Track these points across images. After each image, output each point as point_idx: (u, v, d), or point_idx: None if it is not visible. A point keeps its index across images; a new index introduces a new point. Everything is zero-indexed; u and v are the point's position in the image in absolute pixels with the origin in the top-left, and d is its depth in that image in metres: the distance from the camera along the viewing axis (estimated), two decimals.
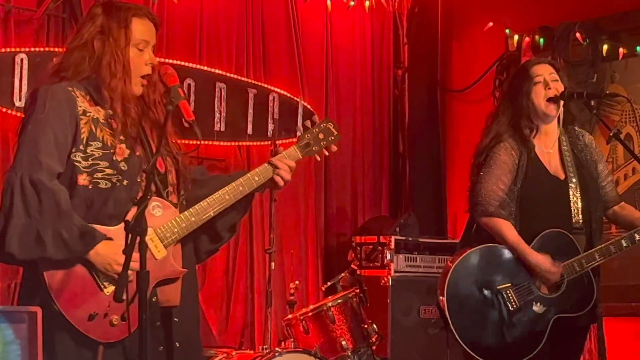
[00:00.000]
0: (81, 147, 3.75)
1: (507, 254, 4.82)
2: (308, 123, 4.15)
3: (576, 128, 5.11)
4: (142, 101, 3.96)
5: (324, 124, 4.12)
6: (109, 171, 3.77)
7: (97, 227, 3.68)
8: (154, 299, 3.81)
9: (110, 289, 3.66)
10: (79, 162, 3.74)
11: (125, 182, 3.76)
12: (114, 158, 3.78)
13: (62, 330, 3.65)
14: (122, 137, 3.82)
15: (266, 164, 4.01)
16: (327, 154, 4.14)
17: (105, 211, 3.73)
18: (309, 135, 4.10)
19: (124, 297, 3.39)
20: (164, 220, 3.85)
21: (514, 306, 4.77)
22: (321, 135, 4.10)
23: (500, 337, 4.78)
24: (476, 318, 4.79)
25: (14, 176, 3.65)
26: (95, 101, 3.84)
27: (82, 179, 3.73)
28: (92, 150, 3.76)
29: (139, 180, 3.77)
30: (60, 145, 3.72)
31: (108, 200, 3.74)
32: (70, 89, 3.80)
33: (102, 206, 3.73)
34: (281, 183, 4.03)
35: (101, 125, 3.81)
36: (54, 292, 3.62)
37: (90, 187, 3.73)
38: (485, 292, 4.79)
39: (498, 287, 4.78)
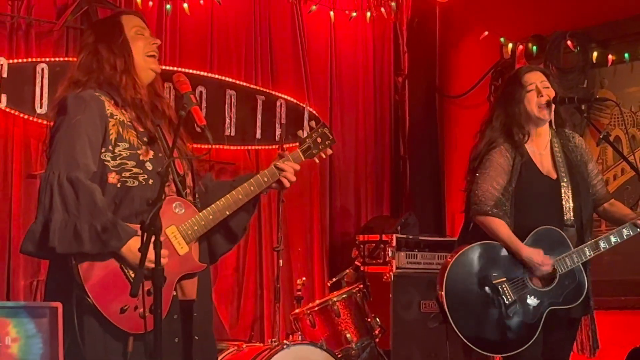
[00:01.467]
0: (110, 147, 3.79)
1: (502, 250, 4.81)
2: (313, 124, 4.19)
3: (567, 130, 5.11)
4: (157, 107, 3.98)
5: (321, 129, 4.16)
6: (136, 170, 3.80)
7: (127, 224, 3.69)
8: (174, 293, 3.82)
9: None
10: (108, 161, 3.77)
11: (150, 182, 3.79)
12: (140, 158, 3.82)
13: (94, 322, 3.66)
14: (145, 139, 3.86)
15: (273, 167, 4.04)
16: (324, 157, 4.18)
17: (133, 209, 3.74)
18: (309, 139, 4.14)
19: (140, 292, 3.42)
20: (186, 218, 3.87)
21: (510, 299, 4.76)
22: (319, 140, 4.14)
23: (496, 329, 4.77)
24: (474, 312, 4.78)
25: (52, 175, 3.67)
26: (119, 105, 3.87)
27: (112, 178, 3.76)
28: (119, 151, 3.80)
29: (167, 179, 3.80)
30: (93, 146, 3.75)
31: (135, 198, 3.76)
32: (97, 94, 3.85)
33: (130, 204, 3.76)
34: (287, 184, 4.07)
35: (127, 127, 3.85)
36: (87, 286, 3.63)
37: (118, 185, 3.77)
38: (482, 287, 4.78)
39: (494, 282, 4.78)
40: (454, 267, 4.80)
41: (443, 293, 4.75)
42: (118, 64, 3.91)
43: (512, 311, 4.75)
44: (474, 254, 4.83)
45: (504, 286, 4.77)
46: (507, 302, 4.76)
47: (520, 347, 4.75)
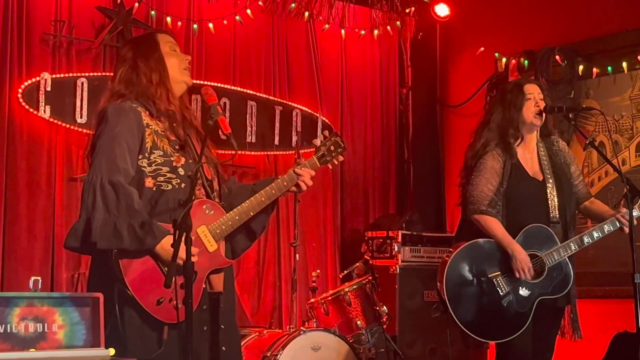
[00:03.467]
0: (146, 154, 3.80)
1: (496, 246, 4.83)
2: (326, 133, 4.19)
3: (552, 137, 5.14)
4: (186, 117, 4.00)
5: (334, 138, 4.16)
6: (169, 175, 3.81)
7: (161, 223, 3.71)
8: (204, 286, 3.84)
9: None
10: (145, 167, 3.79)
11: (182, 185, 3.80)
12: (174, 164, 3.83)
13: (133, 312, 3.68)
14: (177, 147, 3.88)
15: (292, 172, 4.04)
16: (336, 163, 4.17)
17: (167, 209, 3.76)
18: (323, 147, 4.13)
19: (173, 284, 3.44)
20: (215, 218, 3.88)
21: (504, 291, 4.77)
22: (332, 148, 4.14)
23: (492, 318, 4.79)
24: (471, 302, 4.80)
25: (95, 177, 3.69)
26: (153, 115, 3.89)
27: (148, 182, 3.78)
28: (154, 158, 3.81)
29: (197, 183, 3.81)
30: (131, 153, 3.77)
31: (169, 200, 3.78)
32: (134, 105, 3.86)
33: (164, 205, 3.77)
34: (304, 188, 4.06)
35: (161, 136, 3.86)
36: (127, 280, 3.65)
37: (154, 188, 3.78)
38: (478, 280, 4.80)
39: (489, 275, 4.79)
40: (453, 263, 4.82)
41: (443, 286, 4.77)
42: (154, 77, 3.93)
43: (506, 301, 4.77)
44: (470, 250, 4.85)
45: (498, 279, 4.79)
46: (501, 294, 4.77)
47: (514, 334, 4.76)
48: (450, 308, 4.75)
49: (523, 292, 4.80)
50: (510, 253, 4.77)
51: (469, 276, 4.81)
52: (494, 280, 4.78)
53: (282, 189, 4.03)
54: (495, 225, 4.81)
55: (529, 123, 4.97)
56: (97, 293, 3.57)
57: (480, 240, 4.84)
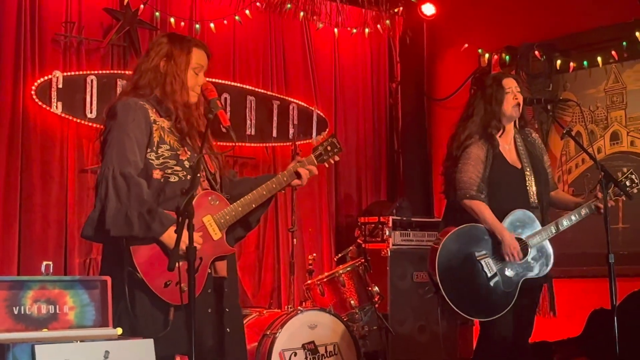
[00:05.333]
0: (154, 148, 3.80)
1: (483, 230, 4.82)
2: (322, 135, 4.23)
3: (526, 129, 5.14)
4: (192, 118, 3.98)
5: (331, 139, 4.22)
6: (176, 168, 3.81)
7: (167, 212, 3.71)
8: (209, 271, 3.85)
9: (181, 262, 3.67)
10: (153, 160, 3.78)
11: (188, 177, 3.78)
12: (180, 158, 3.83)
13: (142, 294, 3.69)
14: (183, 142, 3.87)
15: (291, 169, 4.08)
16: (332, 162, 4.24)
17: (173, 199, 3.74)
18: (321, 147, 4.19)
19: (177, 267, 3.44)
20: (219, 209, 3.90)
21: (491, 272, 4.77)
22: (329, 148, 4.20)
23: (481, 297, 4.78)
24: (461, 283, 4.78)
25: (107, 170, 3.69)
26: (160, 114, 3.87)
27: (156, 174, 3.78)
28: (162, 152, 3.81)
29: (198, 175, 3.79)
30: (140, 147, 3.76)
31: (175, 191, 3.76)
32: (142, 103, 3.84)
33: (171, 195, 3.76)
34: (301, 184, 4.12)
35: (167, 132, 3.85)
36: (137, 264, 3.65)
37: (161, 180, 3.78)
38: (468, 262, 4.79)
39: (477, 257, 4.78)
40: (444, 246, 4.80)
41: (436, 268, 4.76)
42: (176, 84, 3.89)
43: (493, 282, 4.76)
44: (460, 234, 4.83)
45: (486, 261, 4.78)
46: (489, 275, 4.76)
47: (501, 312, 4.76)
48: (442, 289, 4.73)
49: (509, 272, 4.80)
50: (499, 238, 4.76)
51: (459, 259, 4.79)
52: (482, 262, 4.77)
53: (282, 184, 4.06)
54: (484, 209, 4.80)
55: (508, 115, 4.98)
56: (106, 276, 3.57)
57: (468, 225, 4.83)
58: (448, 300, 4.73)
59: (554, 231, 4.87)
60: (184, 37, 4.07)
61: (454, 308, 4.74)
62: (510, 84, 5.00)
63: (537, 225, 4.86)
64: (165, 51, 3.92)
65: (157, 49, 3.95)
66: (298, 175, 4.10)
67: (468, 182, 4.84)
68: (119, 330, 3.50)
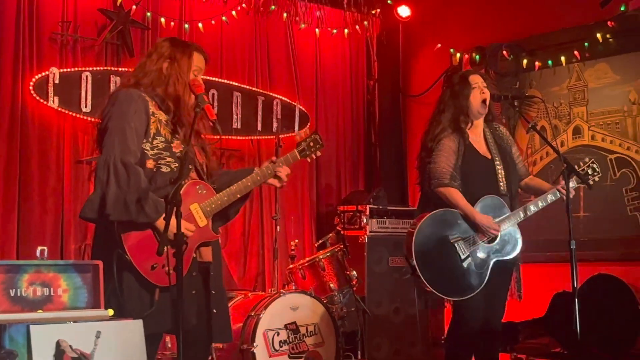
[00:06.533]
0: (149, 139, 3.80)
1: (456, 215, 4.81)
2: (305, 130, 4.23)
3: (494, 123, 5.15)
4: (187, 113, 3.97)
5: (314, 136, 4.23)
6: (169, 159, 3.82)
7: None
8: (194, 256, 3.85)
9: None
10: (147, 150, 3.78)
11: None
12: (173, 150, 3.84)
13: (130, 276, 3.67)
14: (177, 136, 3.87)
15: (271, 166, 4.09)
16: (314, 157, 4.24)
17: (165, 188, 3.73)
18: (304, 143, 4.20)
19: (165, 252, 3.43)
20: (206, 197, 3.90)
21: (464, 254, 4.76)
22: (312, 144, 4.21)
23: (455, 277, 4.75)
24: (436, 264, 4.75)
25: (109, 157, 3.68)
26: (159, 106, 3.87)
27: (149, 163, 3.77)
28: (157, 143, 3.81)
29: (190, 167, 3.79)
30: (139, 136, 3.76)
31: (166, 180, 3.77)
32: (143, 94, 3.84)
33: (163, 184, 3.76)
34: (278, 182, 4.13)
35: (164, 125, 3.85)
36: (127, 246, 3.64)
37: (154, 169, 3.78)
38: (442, 244, 4.77)
39: (451, 240, 4.78)
40: (420, 230, 4.78)
41: (412, 250, 4.74)
42: (179, 84, 3.89)
43: (466, 263, 4.76)
44: (434, 219, 4.82)
45: (459, 243, 4.77)
46: (462, 257, 4.76)
47: (474, 291, 4.75)
48: (419, 270, 4.70)
49: (480, 254, 4.80)
50: (473, 220, 4.76)
51: (434, 241, 4.77)
52: (455, 244, 4.77)
53: (266, 176, 4.08)
54: (457, 196, 4.80)
55: (476, 109, 4.97)
56: (97, 261, 3.56)
57: (442, 209, 4.82)
58: (424, 280, 4.71)
59: (522, 216, 4.88)
60: (184, 42, 4.11)
61: (430, 288, 4.72)
62: (476, 80, 4.99)
63: (507, 211, 4.87)
64: (168, 54, 3.94)
65: (160, 52, 3.97)
66: (277, 177, 4.10)
67: (441, 171, 4.84)
68: (110, 312, 3.49)
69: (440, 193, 4.84)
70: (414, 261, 4.72)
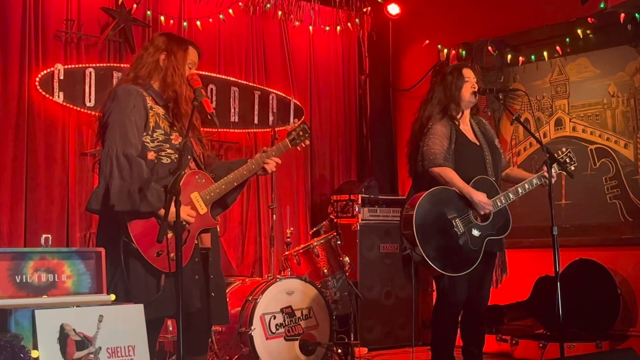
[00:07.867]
0: (149, 132, 3.80)
1: (452, 193, 4.80)
2: (296, 121, 4.23)
3: (478, 116, 5.19)
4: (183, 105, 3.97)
5: (303, 125, 4.24)
6: (169, 151, 3.83)
7: None
8: (195, 242, 3.85)
9: (170, 234, 3.64)
10: (148, 143, 3.79)
11: None
12: (172, 142, 3.84)
13: (137, 262, 3.67)
14: (175, 128, 3.87)
15: (263, 155, 4.09)
16: (304, 146, 4.24)
17: (166, 178, 3.73)
18: (294, 132, 4.20)
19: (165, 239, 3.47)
20: (205, 186, 3.91)
21: (460, 231, 4.75)
22: (301, 133, 4.22)
23: (452, 253, 4.74)
24: (435, 240, 4.72)
25: (111, 150, 3.67)
26: (156, 101, 3.87)
27: (151, 155, 3.78)
28: (156, 135, 3.82)
29: (189, 157, 3.79)
30: (139, 129, 3.76)
31: (166, 171, 3.77)
32: (141, 90, 3.84)
33: (164, 175, 3.76)
34: (269, 171, 4.11)
35: (162, 118, 3.85)
36: (133, 235, 3.64)
37: (155, 161, 3.78)
38: (440, 221, 4.75)
39: (448, 217, 4.76)
40: (419, 208, 4.73)
41: (413, 227, 4.69)
42: (176, 76, 3.90)
43: (462, 240, 4.74)
44: (434, 194, 4.79)
45: (456, 221, 4.76)
46: (458, 234, 4.75)
47: (470, 268, 4.73)
48: (419, 245, 4.64)
49: (475, 232, 4.79)
50: (468, 197, 4.75)
51: (433, 217, 4.74)
52: (452, 222, 4.75)
53: (260, 165, 4.07)
54: (453, 174, 4.80)
55: (466, 100, 5.02)
56: (100, 248, 3.55)
57: (440, 187, 4.80)
58: (424, 254, 4.66)
59: (512, 197, 4.90)
60: (180, 37, 4.12)
61: (430, 262, 4.67)
62: (469, 74, 5.04)
63: (498, 191, 4.90)
64: (165, 47, 3.94)
65: (157, 45, 3.97)
66: (264, 169, 4.10)
67: (435, 153, 4.83)
68: (112, 297, 3.48)
69: (435, 173, 4.82)
70: (415, 235, 4.65)
